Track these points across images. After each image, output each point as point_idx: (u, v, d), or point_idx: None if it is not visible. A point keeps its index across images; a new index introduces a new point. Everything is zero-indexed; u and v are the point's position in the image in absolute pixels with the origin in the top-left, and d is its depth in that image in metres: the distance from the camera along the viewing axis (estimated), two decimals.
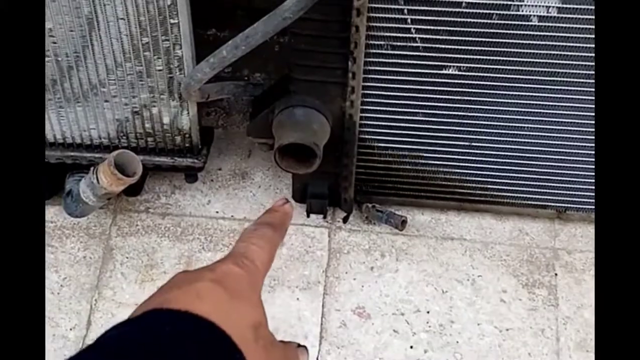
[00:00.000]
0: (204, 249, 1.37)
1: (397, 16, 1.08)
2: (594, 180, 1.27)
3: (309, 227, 1.40)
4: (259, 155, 1.46)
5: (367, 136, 1.25)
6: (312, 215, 1.38)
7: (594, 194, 1.30)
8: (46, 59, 1.16)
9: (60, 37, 1.14)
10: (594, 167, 1.25)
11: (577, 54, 1.10)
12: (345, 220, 1.39)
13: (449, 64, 1.13)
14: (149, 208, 1.41)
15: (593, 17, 1.04)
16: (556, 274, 1.36)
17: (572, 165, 1.28)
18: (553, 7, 1.04)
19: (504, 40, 1.09)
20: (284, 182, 1.44)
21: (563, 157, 1.27)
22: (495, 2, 1.05)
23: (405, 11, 1.07)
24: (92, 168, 1.22)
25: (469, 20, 1.07)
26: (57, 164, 1.30)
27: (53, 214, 1.39)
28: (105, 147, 1.29)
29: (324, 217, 1.39)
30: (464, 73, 1.14)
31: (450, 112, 1.21)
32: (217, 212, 1.42)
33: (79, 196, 1.26)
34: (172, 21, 1.11)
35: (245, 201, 1.43)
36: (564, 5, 1.04)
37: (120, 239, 1.38)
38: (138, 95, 1.21)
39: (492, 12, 1.05)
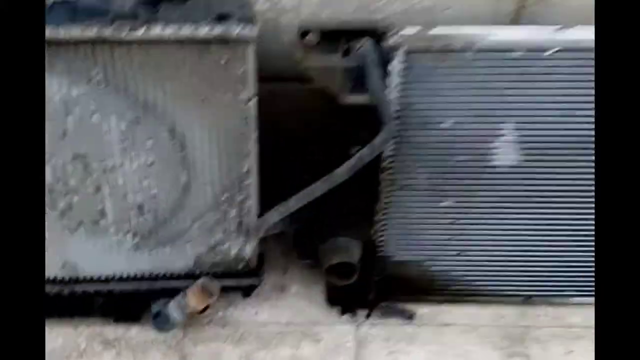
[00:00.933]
0: (259, 348, 1.75)
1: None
2: (552, 271, 1.73)
3: (340, 325, 1.79)
4: (293, 272, 1.87)
5: (383, 254, 1.68)
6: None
7: (552, 283, 1.75)
8: (147, 214, 1.54)
9: (160, 199, 1.53)
10: (553, 261, 1.71)
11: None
12: (368, 316, 1.79)
13: (446, 197, 1.58)
14: (211, 321, 1.78)
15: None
16: (526, 347, 1.79)
17: (538, 261, 1.73)
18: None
19: (485, 182, 1.55)
20: (314, 291, 1.84)
21: (532, 257, 1.72)
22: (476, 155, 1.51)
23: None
24: (181, 292, 1.60)
25: (459, 168, 1.53)
26: (146, 291, 1.67)
27: (136, 331, 1.74)
28: (183, 276, 1.67)
29: (352, 315, 1.79)
30: (457, 204, 1.58)
31: (445, 231, 1.65)
32: (264, 319, 1.80)
33: (167, 316, 1.62)
34: (246, 182, 1.51)
35: (287, 309, 1.82)
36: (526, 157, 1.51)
37: (191, 347, 1.74)
38: (214, 236, 1.60)
39: (476, 162, 1.51)
